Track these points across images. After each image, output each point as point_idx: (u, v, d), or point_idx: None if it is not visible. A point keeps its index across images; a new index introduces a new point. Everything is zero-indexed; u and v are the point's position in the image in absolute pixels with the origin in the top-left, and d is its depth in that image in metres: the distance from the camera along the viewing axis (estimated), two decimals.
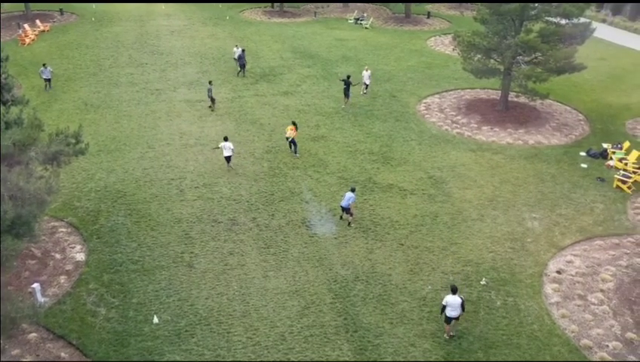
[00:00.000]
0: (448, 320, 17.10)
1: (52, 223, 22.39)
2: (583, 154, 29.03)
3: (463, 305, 16.86)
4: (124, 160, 27.68)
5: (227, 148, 26.53)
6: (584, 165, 27.88)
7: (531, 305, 18.78)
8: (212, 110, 33.35)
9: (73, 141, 19.37)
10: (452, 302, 16.71)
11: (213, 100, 33.57)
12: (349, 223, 22.68)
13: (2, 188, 14.44)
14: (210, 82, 34.16)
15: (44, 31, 48.97)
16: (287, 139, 28.29)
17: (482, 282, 19.68)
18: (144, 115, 32.90)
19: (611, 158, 28.12)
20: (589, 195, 25.15)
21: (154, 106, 34.19)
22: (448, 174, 26.71)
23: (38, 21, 50.23)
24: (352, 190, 22.40)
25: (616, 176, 26.06)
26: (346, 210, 22.49)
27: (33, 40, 46.24)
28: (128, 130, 30.90)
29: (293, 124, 28.29)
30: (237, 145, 29.11)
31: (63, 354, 16.71)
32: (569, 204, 24.49)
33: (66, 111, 33.28)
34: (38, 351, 16.83)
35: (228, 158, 26.79)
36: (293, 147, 28.41)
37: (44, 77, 35.69)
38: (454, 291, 16.76)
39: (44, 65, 35.84)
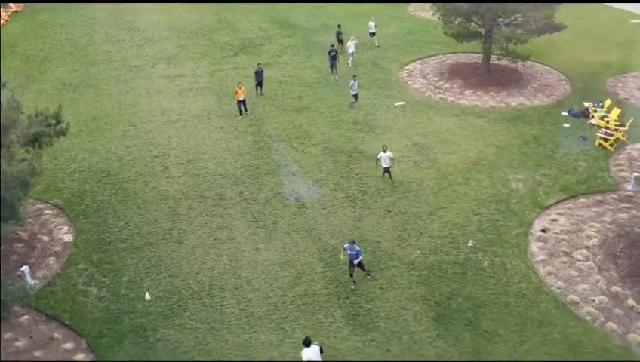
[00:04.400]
0: None
1: (37, 205, 22.20)
2: (565, 114, 29.23)
3: (321, 349, 14.78)
4: (106, 139, 27.37)
5: (385, 159, 23.07)
6: (566, 125, 28.10)
7: (518, 264, 19.12)
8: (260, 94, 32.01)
9: (53, 122, 19.13)
10: (311, 355, 14.55)
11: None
12: (368, 273, 18.77)
13: None
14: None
15: (16, 11, 47.74)
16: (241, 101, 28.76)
17: (469, 244, 19.96)
18: (124, 93, 32.44)
19: (593, 117, 28.35)
20: (571, 154, 25.42)
21: (133, 83, 33.70)
22: (433, 140, 26.80)
23: (10, 3, 48.87)
24: (353, 242, 18.20)
25: (598, 134, 26.32)
26: (360, 266, 18.38)
27: (6, 21, 45.12)
28: (109, 109, 30.48)
29: (239, 85, 28.87)
30: (219, 120, 28.93)
31: (56, 335, 16.77)
32: (552, 163, 24.75)
33: (45, 92, 32.70)
34: (32, 332, 16.86)
35: (387, 170, 23.30)
36: (244, 106, 29.03)
37: None
38: (308, 344, 14.52)
39: None
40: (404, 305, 17.62)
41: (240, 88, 28.79)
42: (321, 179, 23.76)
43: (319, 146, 26.39)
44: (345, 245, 18.41)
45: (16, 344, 16.41)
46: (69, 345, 16.43)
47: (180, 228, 21.02)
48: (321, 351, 14.78)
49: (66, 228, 20.99)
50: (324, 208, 22.09)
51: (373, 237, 20.44)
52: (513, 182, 23.50)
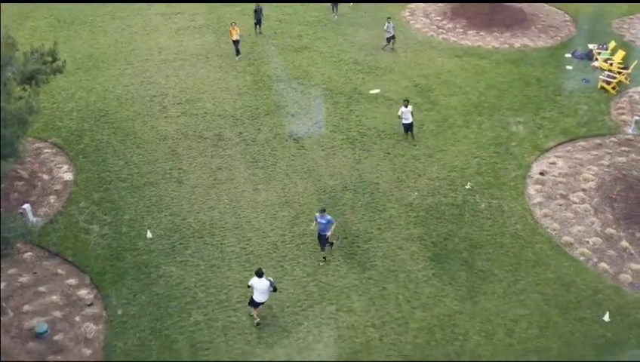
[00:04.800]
0: (255, 304, 15.17)
1: (36, 144, 22.16)
2: (568, 55, 28.80)
3: (273, 286, 15.01)
4: (103, 78, 27.02)
5: (406, 114, 21.84)
6: (569, 67, 27.74)
7: (515, 206, 19.31)
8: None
9: (49, 59, 18.84)
10: (258, 286, 14.84)
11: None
12: (331, 244, 17.58)
13: None
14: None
15: None
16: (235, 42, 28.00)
17: (467, 186, 20.08)
18: (120, 30, 31.78)
19: (596, 59, 27.94)
20: (573, 97, 25.21)
21: (129, 20, 32.95)
22: (434, 82, 26.49)
23: None
24: (323, 210, 16.88)
25: (600, 77, 26.02)
26: (324, 239, 17.05)
27: None
28: (105, 47, 29.93)
29: (232, 25, 28.17)
30: (218, 59, 28.48)
31: (60, 271, 17.09)
32: (553, 106, 24.59)
33: (39, 28, 32.01)
34: (35, 268, 17.18)
35: (409, 127, 22.18)
36: (236, 48, 28.29)
37: None
38: (260, 275, 14.80)
39: None
40: (401, 245, 17.91)
41: (234, 28, 28.06)
42: (320, 120, 23.62)
43: (319, 87, 26.11)
44: (316, 213, 17.14)
45: (20, 279, 16.74)
46: (72, 281, 16.78)
47: (179, 168, 21.07)
48: (274, 290, 15.10)
49: (65, 167, 21.03)
50: (323, 150, 22.08)
51: (372, 179, 20.54)
52: (513, 124, 23.41)
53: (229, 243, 18.00)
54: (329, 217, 16.85)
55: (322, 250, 17.30)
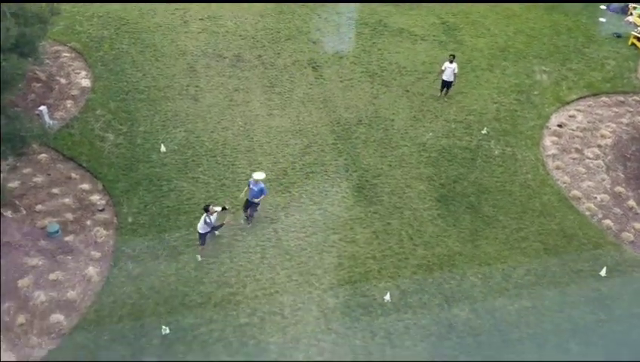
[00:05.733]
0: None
1: (55, 47, 22.02)
2: (603, 7, 27.78)
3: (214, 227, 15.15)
4: None
5: (449, 72, 20.50)
6: (603, 19, 26.82)
7: (528, 155, 19.25)
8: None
9: None
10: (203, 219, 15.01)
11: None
12: (248, 218, 16.50)
13: (3, 5, 14.02)
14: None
15: None
16: None
17: (483, 131, 19.96)
18: None
19: (631, 14, 26.97)
20: (602, 51, 24.53)
21: None
22: (462, 21, 25.77)
23: None
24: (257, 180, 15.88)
25: (633, 32, 25.20)
26: (251, 204, 16.20)
27: None
28: None
29: None
30: None
31: (73, 175, 17.42)
32: (581, 58, 23.98)
33: None
34: (49, 170, 17.51)
35: (448, 85, 20.92)
36: None
37: None
38: (206, 209, 14.93)
39: None
40: (409, 183, 18.04)
41: None
42: (342, 50, 23.23)
43: (343, 16, 25.50)
44: (250, 180, 16.05)
45: (34, 179, 17.11)
46: (85, 186, 17.14)
47: (196, 86, 20.99)
48: (213, 229, 15.18)
49: (83, 73, 20.99)
50: (341, 81, 21.84)
51: (387, 115, 20.42)
52: (538, 73, 22.94)
53: (240, 164, 18.19)
54: (262, 186, 15.90)
55: (244, 212, 16.41)
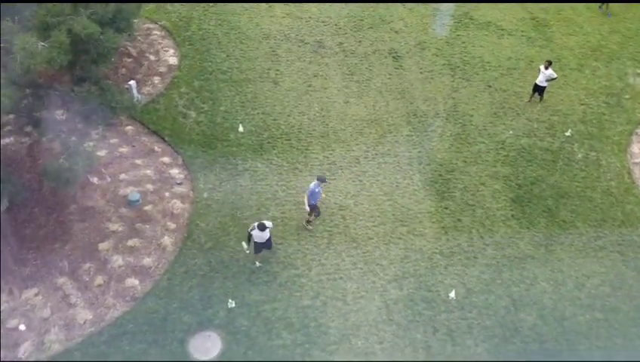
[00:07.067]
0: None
1: (147, 25, 22.96)
2: None
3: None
4: None
5: (543, 78, 19.48)
6: None
7: (614, 162, 18.33)
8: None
9: None
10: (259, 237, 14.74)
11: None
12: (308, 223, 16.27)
13: None
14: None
15: None
16: None
17: (567, 133, 19.16)
18: None
19: None
20: None
21: None
22: (553, 17, 24.69)
23: None
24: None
25: None
26: (312, 208, 15.79)
27: None
28: None
29: None
30: None
31: (156, 148, 18.24)
32: None
33: None
34: (134, 142, 18.41)
35: (540, 90, 19.84)
36: None
37: None
38: (262, 228, 14.48)
39: None
40: (484, 181, 17.64)
41: None
42: (424, 41, 22.89)
43: (429, 7, 25.03)
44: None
45: (120, 150, 18.05)
46: (166, 159, 17.91)
47: (277, 70, 21.33)
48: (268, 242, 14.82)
49: (172, 51, 21.82)
50: (421, 72, 21.55)
51: (466, 110, 19.99)
52: (631, 76, 21.70)
53: (314, 150, 18.40)
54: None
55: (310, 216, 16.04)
